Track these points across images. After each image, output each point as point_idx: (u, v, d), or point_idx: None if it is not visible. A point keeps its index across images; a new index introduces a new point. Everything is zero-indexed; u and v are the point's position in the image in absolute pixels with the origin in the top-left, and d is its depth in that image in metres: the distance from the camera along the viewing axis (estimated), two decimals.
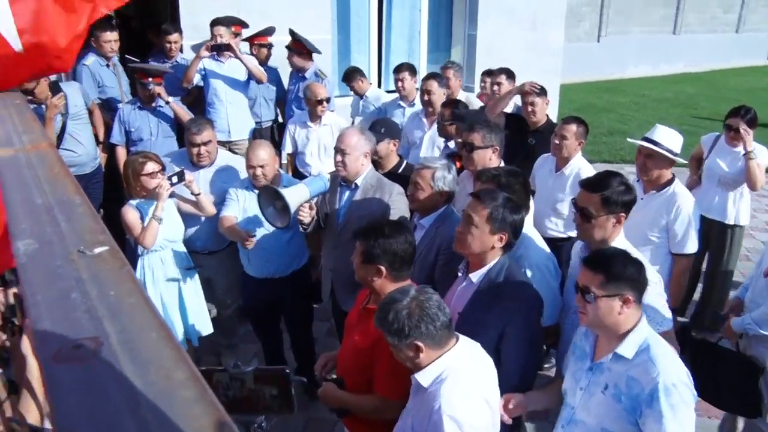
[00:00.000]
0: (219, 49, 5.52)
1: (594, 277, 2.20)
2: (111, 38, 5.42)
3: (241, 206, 3.87)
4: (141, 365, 0.42)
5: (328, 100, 5.11)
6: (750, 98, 14.52)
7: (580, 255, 2.94)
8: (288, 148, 5.33)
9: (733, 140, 4.71)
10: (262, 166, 3.71)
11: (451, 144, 4.61)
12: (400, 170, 4.04)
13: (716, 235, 4.89)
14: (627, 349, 2.19)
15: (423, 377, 2.13)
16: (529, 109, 4.73)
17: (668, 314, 2.84)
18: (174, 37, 5.85)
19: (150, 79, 4.93)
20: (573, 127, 4.11)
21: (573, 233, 4.25)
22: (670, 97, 15.33)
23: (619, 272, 2.18)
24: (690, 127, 12.00)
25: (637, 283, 2.20)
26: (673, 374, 2.10)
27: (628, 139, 3.99)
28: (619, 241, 2.83)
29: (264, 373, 1.82)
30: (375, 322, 2.20)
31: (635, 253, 2.64)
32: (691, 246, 3.61)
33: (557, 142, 4.13)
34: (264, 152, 3.74)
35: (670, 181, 3.67)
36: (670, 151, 3.62)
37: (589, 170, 4.16)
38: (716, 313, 5.01)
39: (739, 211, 4.83)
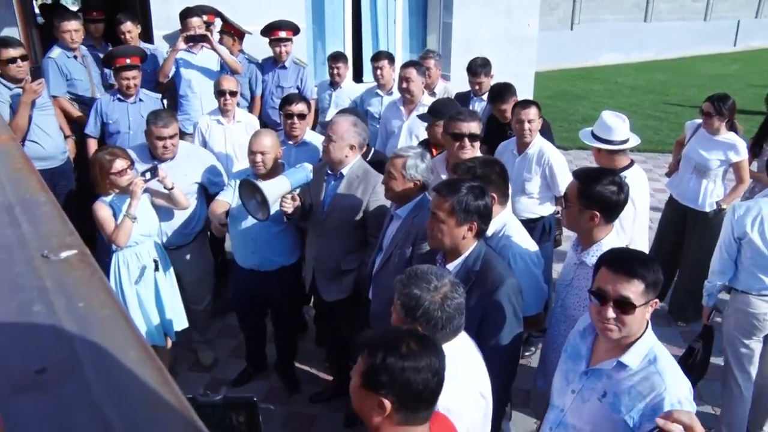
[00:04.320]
0: (195, 41, 5.38)
1: (633, 285, 2.02)
2: (70, 27, 5.18)
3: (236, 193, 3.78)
4: (118, 392, 0.35)
5: (233, 93, 4.72)
6: (719, 84, 14.74)
7: (573, 248, 2.91)
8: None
9: (706, 125, 4.74)
10: (262, 153, 3.68)
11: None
12: (368, 158, 3.99)
13: (691, 221, 4.91)
14: (632, 357, 2.07)
15: None
16: (503, 115, 4.80)
17: None
18: (127, 26, 5.57)
19: (128, 60, 4.75)
20: (534, 109, 4.22)
21: (544, 212, 4.35)
22: (642, 84, 15.45)
23: (656, 277, 2.03)
24: (662, 114, 12.13)
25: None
26: (680, 390, 2.01)
27: (582, 139, 3.99)
28: (610, 239, 2.74)
29: (233, 401, 1.78)
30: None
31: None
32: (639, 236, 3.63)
33: (527, 127, 4.20)
34: (267, 139, 3.72)
35: (626, 167, 3.69)
36: (612, 142, 3.67)
37: (551, 147, 4.29)
38: (696, 302, 5.07)
39: (712, 199, 4.80)
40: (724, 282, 3.55)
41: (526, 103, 4.28)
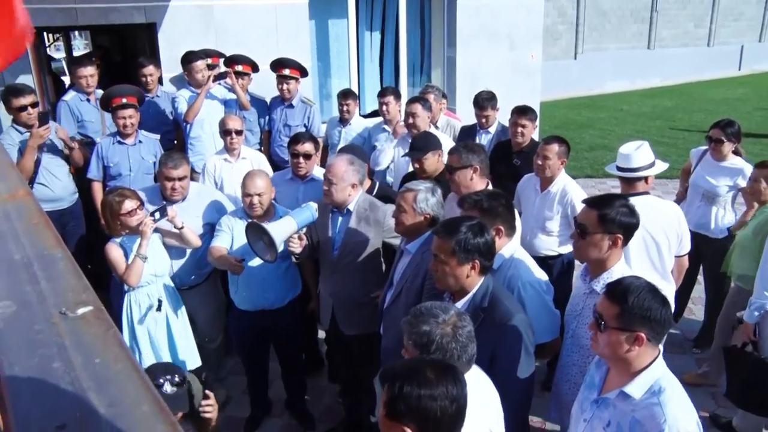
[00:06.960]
0: (221, 78, 5.56)
1: (609, 307, 2.13)
2: (86, 73, 5.38)
3: (233, 236, 3.79)
4: None
5: (239, 132, 4.78)
6: (725, 109, 14.79)
7: (582, 277, 2.92)
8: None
9: (714, 152, 4.75)
10: (259, 195, 3.70)
11: None
12: (373, 193, 4.03)
13: (704, 249, 4.89)
14: (635, 388, 2.10)
15: None
16: (519, 130, 4.80)
17: None
18: (149, 69, 5.77)
19: (124, 100, 4.81)
20: (555, 147, 4.12)
21: (563, 250, 4.29)
22: (647, 111, 15.52)
23: (635, 308, 2.06)
24: (669, 140, 12.16)
25: (653, 322, 2.06)
26: (681, 423, 1.99)
27: (607, 169, 4.06)
28: (620, 266, 2.77)
29: None
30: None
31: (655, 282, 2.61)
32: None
33: (540, 162, 4.15)
34: (261, 181, 3.74)
35: (637, 194, 3.65)
36: (637, 170, 3.67)
37: (574, 186, 4.21)
38: (712, 329, 5.03)
39: (723, 225, 4.79)
40: None
41: (548, 139, 4.21)
